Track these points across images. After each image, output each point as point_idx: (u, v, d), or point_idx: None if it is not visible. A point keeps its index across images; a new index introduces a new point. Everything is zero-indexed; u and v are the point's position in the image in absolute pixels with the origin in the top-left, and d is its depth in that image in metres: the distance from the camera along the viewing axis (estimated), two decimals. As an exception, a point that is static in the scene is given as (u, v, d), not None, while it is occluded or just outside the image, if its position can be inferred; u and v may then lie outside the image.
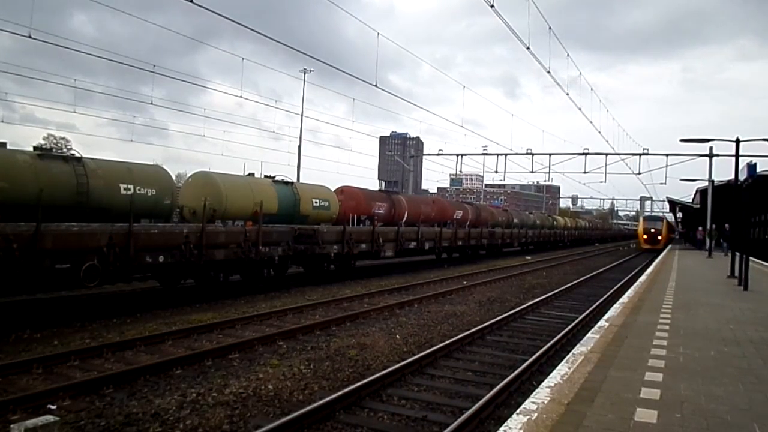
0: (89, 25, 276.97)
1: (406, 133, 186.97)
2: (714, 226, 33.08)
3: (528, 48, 19.17)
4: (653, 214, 79.97)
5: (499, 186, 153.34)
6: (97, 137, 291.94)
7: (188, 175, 17.20)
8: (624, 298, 11.97)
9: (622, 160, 38.09)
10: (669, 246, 48.79)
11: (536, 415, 4.39)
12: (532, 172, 40.99)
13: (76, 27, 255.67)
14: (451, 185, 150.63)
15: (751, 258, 16.78)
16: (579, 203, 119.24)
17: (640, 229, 54.23)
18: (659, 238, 50.27)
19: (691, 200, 43.49)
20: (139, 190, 13.00)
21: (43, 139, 56.13)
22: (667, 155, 35.49)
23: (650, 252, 44.96)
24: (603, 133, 35.59)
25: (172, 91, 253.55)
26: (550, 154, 39.27)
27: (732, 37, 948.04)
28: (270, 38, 16.30)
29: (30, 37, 17.16)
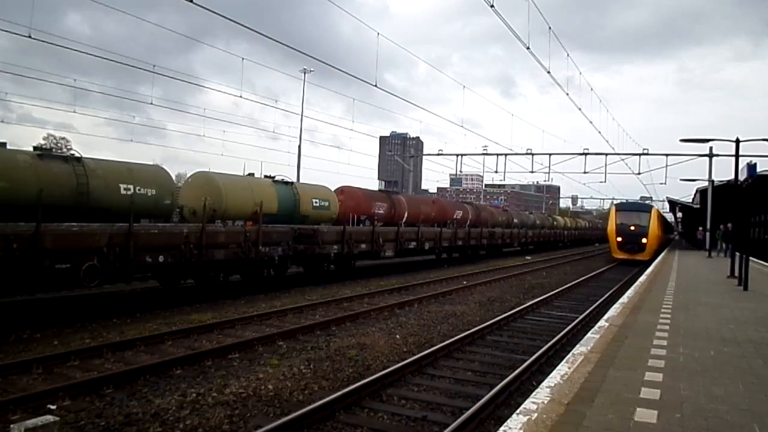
0: (83, 24, 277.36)
1: (406, 133, 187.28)
2: (720, 226, 33.02)
3: (528, 48, 19.18)
4: (633, 201, 46.21)
5: (499, 186, 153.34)
6: (95, 137, 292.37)
7: (188, 175, 17.22)
8: (624, 298, 11.96)
9: (622, 160, 38.04)
10: (664, 252, 34.06)
11: (536, 415, 4.39)
12: (532, 172, 40.91)
13: (71, 26, 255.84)
14: (451, 185, 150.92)
15: (751, 258, 16.77)
16: (579, 203, 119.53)
17: (611, 225, 33.15)
18: (644, 241, 31.41)
19: (691, 200, 43.44)
20: (139, 190, 13.00)
21: (43, 139, 56.22)
22: (666, 155, 35.46)
23: (630, 264, 29.15)
24: (603, 133, 35.55)
25: (169, 90, 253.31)
26: (550, 154, 39.18)
27: (726, 38, 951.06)
28: (267, 37, 16.26)
29: (30, 37, 17.17)
